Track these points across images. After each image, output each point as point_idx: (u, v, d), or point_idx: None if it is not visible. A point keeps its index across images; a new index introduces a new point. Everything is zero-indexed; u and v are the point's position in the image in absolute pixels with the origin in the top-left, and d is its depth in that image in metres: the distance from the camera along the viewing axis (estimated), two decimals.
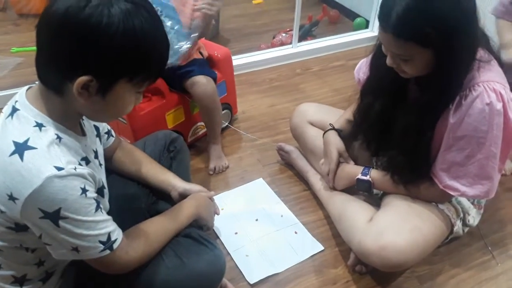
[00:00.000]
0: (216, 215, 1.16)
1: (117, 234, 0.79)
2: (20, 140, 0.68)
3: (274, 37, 2.51)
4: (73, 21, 0.64)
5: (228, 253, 1.24)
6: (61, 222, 0.69)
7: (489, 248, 1.27)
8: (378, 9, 0.93)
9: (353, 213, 1.18)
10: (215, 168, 1.55)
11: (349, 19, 2.88)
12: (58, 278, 0.88)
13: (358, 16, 2.78)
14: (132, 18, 0.66)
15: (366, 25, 2.67)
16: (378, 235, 1.05)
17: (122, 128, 1.49)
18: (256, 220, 1.36)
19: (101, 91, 0.70)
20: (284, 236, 1.30)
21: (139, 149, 1.13)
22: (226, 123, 1.76)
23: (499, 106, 0.92)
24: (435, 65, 0.92)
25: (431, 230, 1.08)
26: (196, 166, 1.58)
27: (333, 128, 1.30)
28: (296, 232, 1.32)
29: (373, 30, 2.57)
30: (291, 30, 2.37)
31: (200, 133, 1.69)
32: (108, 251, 0.76)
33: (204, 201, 1.09)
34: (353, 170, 1.25)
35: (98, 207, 0.75)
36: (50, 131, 0.71)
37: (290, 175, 1.56)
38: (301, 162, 1.50)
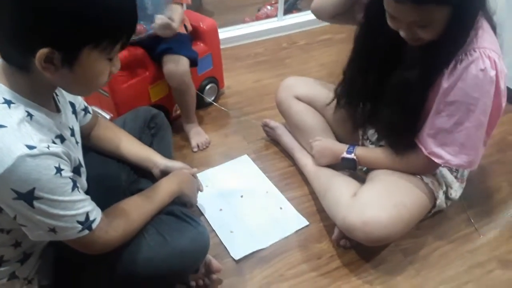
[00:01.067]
0: (200, 192, 1.14)
1: (96, 214, 0.77)
2: None
3: (259, 10, 2.45)
4: None
5: (213, 230, 1.23)
6: (35, 203, 0.67)
7: (472, 220, 1.29)
8: None
9: (337, 188, 1.18)
10: (198, 146, 1.53)
11: None
12: (37, 259, 0.86)
13: None
14: None
15: None
16: (361, 210, 1.05)
17: (104, 102, 1.45)
18: (241, 196, 1.35)
19: (66, 63, 0.66)
20: (269, 212, 1.30)
21: (118, 126, 1.09)
22: (211, 100, 1.72)
23: (492, 73, 0.91)
24: (450, 23, 0.89)
25: (414, 204, 1.08)
26: (179, 143, 1.55)
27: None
28: (281, 208, 1.31)
29: None
30: (276, 2, 2.31)
31: None
32: (86, 231, 0.74)
33: (187, 178, 1.07)
34: (337, 148, 1.24)
35: (74, 186, 0.72)
36: (20, 108, 0.68)
37: (275, 151, 1.54)
38: (287, 138, 1.48)
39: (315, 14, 1.27)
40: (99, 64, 0.70)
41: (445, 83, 0.95)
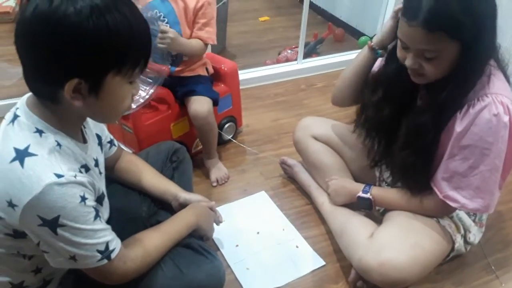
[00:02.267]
0: (217, 226, 1.15)
1: (115, 244, 0.78)
2: (21, 146, 0.68)
3: (279, 53, 2.54)
4: (39, 29, 0.63)
5: (229, 266, 1.23)
6: (59, 230, 0.69)
7: (493, 267, 1.26)
8: (403, 4, 0.92)
9: (354, 228, 1.18)
10: (217, 180, 1.55)
11: (354, 37, 2.91)
12: (56, 286, 0.88)
13: (363, 34, 2.81)
14: (104, 10, 0.64)
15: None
16: (378, 251, 1.04)
17: (128, 138, 1.51)
18: (258, 233, 1.35)
19: (93, 91, 0.69)
20: (285, 250, 1.29)
21: (141, 159, 1.13)
22: (229, 137, 1.77)
23: (506, 119, 0.92)
24: (457, 64, 0.91)
25: (432, 247, 1.07)
26: (199, 177, 1.59)
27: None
28: (297, 246, 1.31)
29: None
30: (297, 47, 2.40)
31: None
32: (105, 261, 0.76)
33: (204, 211, 1.08)
34: (354, 188, 1.25)
35: (97, 216, 0.74)
36: (50, 138, 0.71)
37: (292, 189, 1.56)
38: (304, 176, 1.50)
39: (337, 105, 1.34)
40: (122, 88, 0.73)
41: (458, 127, 0.96)
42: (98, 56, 0.66)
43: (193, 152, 1.66)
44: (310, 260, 1.26)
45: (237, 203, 1.48)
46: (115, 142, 1.05)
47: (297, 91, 2.23)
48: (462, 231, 1.14)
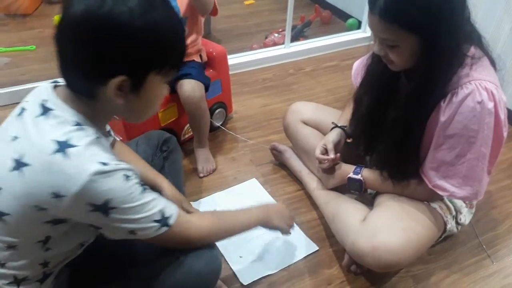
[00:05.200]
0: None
1: (172, 210, 0.79)
2: (61, 138, 0.68)
3: (266, 37, 2.50)
4: (94, 28, 0.64)
5: (222, 255, 1.22)
6: (111, 212, 0.70)
7: (484, 246, 1.27)
8: None
9: (346, 213, 1.17)
10: (203, 170, 1.53)
11: (341, 19, 2.88)
12: (53, 279, 0.86)
13: (350, 16, 2.78)
14: (151, 9, 0.67)
15: (358, 25, 2.67)
16: (371, 235, 1.04)
17: (114, 125, 1.46)
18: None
19: (134, 89, 0.71)
20: (278, 237, 1.28)
21: (130, 148, 1.11)
22: (219, 124, 1.74)
23: (490, 105, 0.91)
24: (420, 56, 0.91)
25: (424, 229, 1.07)
26: (188, 166, 1.56)
27: (337, 126, 1.28)
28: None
29: (365, 31, 2.57)
30: (284, 30, 2.36)
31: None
32: (165, 228, 0.77)
33: (278, 209, 1.10)
34: (344, 169, 1.24)
35: (143, 189, 0.75)
36: (89, 131, 0.72)
37: (283, 175, 1.54)
38: (295, 162, 1.49)
39: None
40: (159, 88, 0.76)
41: (442, 117, 0.96)
42: (146, 54, 0.69)
43: (182, 140, 1.63)
44: (303, 246, 1.25)
45: (227, 191, 1.46)
46: (112, 132, 1.03)
47: (286, 76, 2.20)
48: (454, 212, 1.15)
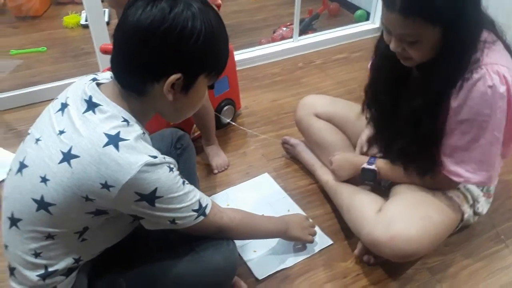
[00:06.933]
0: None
1: (207, 200, 0.86)
2: (112, 132, 0.72)
3: (274, 32, 2.49)
4: (161, 29, 0.70)
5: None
6: (156, 202, 0.75)
7: (502, 237, 1.25)
8: None
9: (361, 204, 1.16)
10: (217, 166, 1.53)
11: (349, 11, 2.84)
12: (77, 272, 0.87)
13: (359, 8, 2.75)
14: (208, 17, 0.73)
15: (367, 17, 2.64)
16: (387, 225, 1.03)
17: None
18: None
19: (184, 88, 0.77)
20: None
21: None
22: (228, 120, 1.74)
23: (502, 89, 0.90)
24: (441, 47, 0.89)
25: (441, 218, 1.06)
26: (200, 163, 1.56)
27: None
28: None
29: (374, 22, 2.54)
30: (292, 24, 2.34)
31: None
32: (202, 217, 0.83)
33: (297, 220, 1.16)
34: (358, 160, 1.23)
35: (184, 181, 0.80)
36: (136, 127, 0.76)
37: (295, 169, 1.54)
38: (307, 156, 1.48)
39: None
40: (204, 90, 0.82)
41: (453, 103, 0.94)
42: (203, 55, 0.74)
43: (192, 138, 1.63)
44: (317, 240, 1.25)
45: (240, 186, 1.46)
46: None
47: (295, 70, 2.19)
48: (471, 201, 1.13)
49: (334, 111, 1.37)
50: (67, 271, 0.83)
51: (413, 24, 0.86)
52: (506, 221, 1.30)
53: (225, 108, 1.70)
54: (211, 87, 0.85)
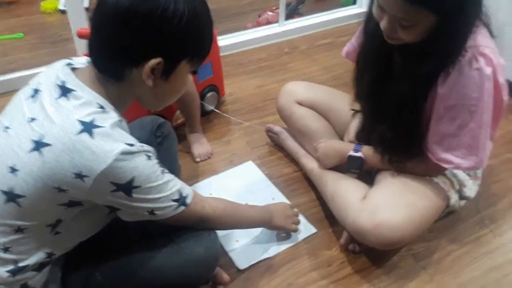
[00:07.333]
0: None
1: (188, 190, 0.83)
2: (86, 119, 0.68)
3: (259, 16, 2.44)
4: (143, 12, 0.67)
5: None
6: (134, 192, 0.72)
7: (486, 221, 1.25)
8: None
9: (346, 191, 1.14)
10: (199, 155, 1.50)
11: None
12: (50, 267, 0.84)
13: None
14: (192, 0, 0.70)
15: (353, 1, 2.59)
16: (372, 212, 1.02)
17: None
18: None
19: (165, 73, 0.73)
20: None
21: None
22: (212, 107, 1.70)
23: (488, 71, 0.88)
24: (435, 33, 0.86)
25: (426, 205, 1.05)
26: (182, 151, 1.53)
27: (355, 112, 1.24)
28: None
29: (361, 6, 2.50)
30: (277, 8, 2.30)
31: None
32: (182, 207, 0.80)
33: (280, 209, 1.14)
34: (343, 147, 1.20)
35: (163, 169, 0.77)
36: (113, 114, 0.73)
37: (280, 157, 1.51)
38: (291, 143, 1.45)
39: None
40: (185, 76, 0.79)
41: (440, 89, 0.92)
42: (185, 39, 0.72)
43: (174, 126, 1.59)
44: (301, 228, 1.23)
45: (223, 174, 1.43)
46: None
47: (281, 55, 2.15)
48: (457, 186, 1.12)
49: (316, 98, 1.34)
50: (39, 266, 0.81)
51: (414, 11, 0.82)
52: (491, 206, 1.30)
53: (209, 94, 1.66)
54: (194, 73, 0.82)
